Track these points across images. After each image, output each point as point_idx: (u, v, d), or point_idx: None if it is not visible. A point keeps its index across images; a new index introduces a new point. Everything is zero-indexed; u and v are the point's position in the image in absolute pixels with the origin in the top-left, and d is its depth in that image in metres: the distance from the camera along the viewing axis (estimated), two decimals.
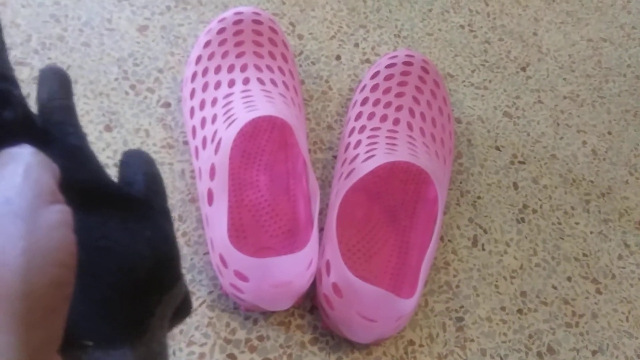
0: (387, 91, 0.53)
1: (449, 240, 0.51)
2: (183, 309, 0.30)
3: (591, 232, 0.54)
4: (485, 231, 0.52)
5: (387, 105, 0.52)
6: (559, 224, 0.54)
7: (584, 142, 0.60)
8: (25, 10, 0.54)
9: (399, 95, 0.52)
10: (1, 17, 0.53)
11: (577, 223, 0.54)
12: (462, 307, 0.47)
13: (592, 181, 0.57)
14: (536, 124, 0.60)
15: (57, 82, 0.30)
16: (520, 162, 0.57)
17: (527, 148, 0.58)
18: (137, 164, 0.30)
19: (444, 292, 0.48)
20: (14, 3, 0.54)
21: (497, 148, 0.57)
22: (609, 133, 0.61)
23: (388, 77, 0.53)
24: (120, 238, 0.26)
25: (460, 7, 0.67)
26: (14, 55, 0.52)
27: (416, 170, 0.51)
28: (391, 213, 0.50)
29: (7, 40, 0.52)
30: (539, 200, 0.55)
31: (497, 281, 0.49)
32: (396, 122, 0.51)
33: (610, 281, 0.51)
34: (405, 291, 0.45)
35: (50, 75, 0.30)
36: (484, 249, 0.51)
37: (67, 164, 0.26)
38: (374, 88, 0.53)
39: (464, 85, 0.61)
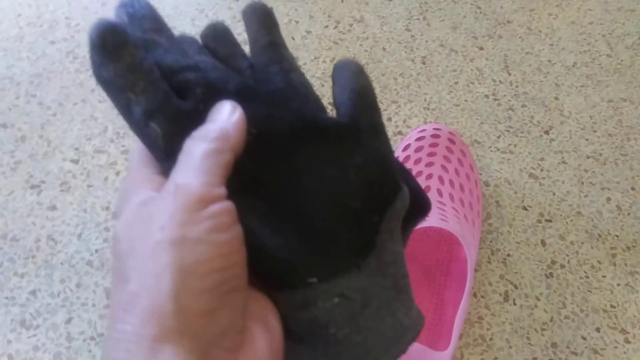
0: (417, 162, 0.58)
1: (482, 296, 0.55)
2: (417, 209, 0.29)
3: (618, 285, 0.57)
4: (515, 287, 0.56)
5: (418, 174, 0.58)
6: (587, 277, 0.57)
7: (608, 199, 0.63)
8: (102, 105, 0.63)
9: (429, 164, 0.58)
10: (81, 112, 0.62)
11: (604, 276, 0.57)
12: (495, 358, 0.51)
13: (617, 236, 0.61)
14: (561, 184, 0.64)
15: (256, 22, 0.31)
16: (547, 220, 0.61)
17: (553, 207, 0.62)
18: (344, 80, 0.29)
19: (479, 345, 0.52)
20: (92, 99, 0.64)
21: (525, 208, 0.62)
22: (633, 189, 0.65)
23: (418, 149, 0.59)
24: (331, 172, 0.26)
25: (484, 78, 0.73)
26: (93, 144, 0.60)
27: (447, 233, 0.56)
28: (427, 272, 0.55)
29: (87, 132, 0.61)
30: (567, 255, 0.58)
31: (528, 333, 0.53)
32: (427, 189, 0.56)
33: (639, 331, 0.54)
34: (440, 344, 0.49)
35: (249, 16, 0.31)
36: (515, 304, 0.55)
37: (269, 111, 0.27)
38: (406, 159, 0.59)
39: (491, 151, 0.66)
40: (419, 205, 0.29)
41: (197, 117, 0.26)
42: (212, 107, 0.26)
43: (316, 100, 0.29)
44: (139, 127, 0.26)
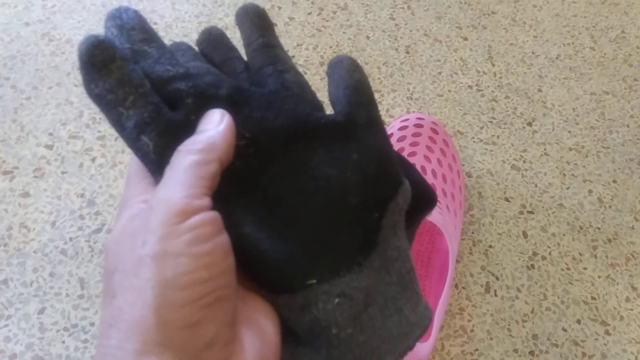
0: (400, 151, 0.58)
1: (463, 287, 0.55)
2: (422, 203, 0.29)
3: (599, 277, 0.57)
4: (497, 278, 0.56)
5: None
6: (568, 269, 0.57)
7: (590, 191, 0.63)
8: (78, 89, 0.62)
9: (412, 154, 0.57)
10: (56, 96, 0.61)
11: (585, 268, 0.57)
12: (476, 350, 0.51)
13: (598, 228, 0.61)
14: (543, 176, 0.64)
15: (249, 24, 0.30)
16: (529, 212, 0.61)
17: (535, 198, 0.62)
18: (338, 77, 0.29)
19: (459, 336, 0.52)
20: (68, 83, 0.62)
21: (507, 199, 0.61)
22: (614, 181, 0.65)
23: (401, 139, 0.58)
24: (327, 172, 0.26)
25: (468, 68, 0.72)
26: (68, 129, 0.58)
27: (429, 224, 0.55)
28: None
29: (62, 117, 0.59)
30: (548, 247, 0.58)
31: (509, 325, 0.53)
32: None
33: (619, 323, 0.54)
34: None
35: (242, 18, 0.31)
36: (496, 295, 0.54)
37: (263, 114, 0.27)
38: None
39: (474, 142, 0.65)
40: (424, 198, 0.29)
41: (188, 127, 0.26)
42: (198, 120, 0.26)
43: (311, 100, 0.28)
44: (131, 141, 0.26)
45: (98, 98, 0.26)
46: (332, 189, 0.26)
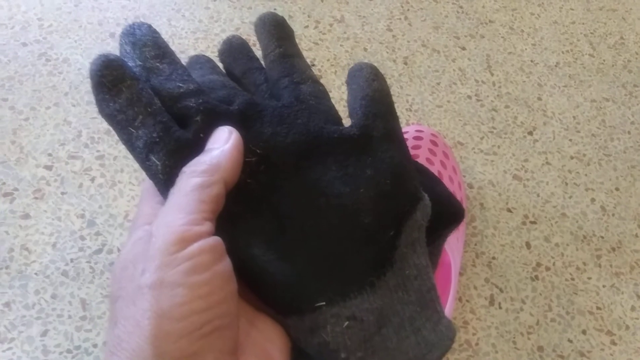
0: None
1: (467, 300, 0.54)
2: (447, 217, 0.28)
3: (604, 286, 0.57)
4: (501, 290, 0.55)
5: None
6: (572, 279, 0.57)
7: (593, 200, 0.63)
8: (76, 109, 0.61)
9: None
10: (54, 117, 0.60)
11: (589, 278, 0.57)
12: None
13: (602, 237, 0.60)
14: (545, 185, 0.64)
15: (266, 35, 0.30)
16: (531, 222, 0.60)
17: (538, 208, 0.62)
18: (357, 86, 0.28)
19: (464, 350, 0.51)
20: (66, 103, 0.62)
21: (509, 210, 0.61)
22: (617, 189, 0.64)
23: None
24: (339, 189, 0.25)
25: (467, 78, 0.72)
26: (67, 149, 0.58)
27: None
28: None
29: (61, 137, 0.59)
30: (552, 257, 0.58)
31: (514, 337, 0.52)
32: None
33: (625, 332, 0.54)
34: None
35: (259, 29, 0.30)
36: (500, 307, 0.54)
37: (275, 129, 0.26)
38: None
39: (474, 152, 0.65)
40: (449, 212, 0.28)
41: (197, 146, 0.25)
42: (207, 138, 0.26)
43: (326, 111, 0.28)
44: (141, 161, 0.25)
45: (109, 118, 0.26)
46: (344, 207, 0.25)
